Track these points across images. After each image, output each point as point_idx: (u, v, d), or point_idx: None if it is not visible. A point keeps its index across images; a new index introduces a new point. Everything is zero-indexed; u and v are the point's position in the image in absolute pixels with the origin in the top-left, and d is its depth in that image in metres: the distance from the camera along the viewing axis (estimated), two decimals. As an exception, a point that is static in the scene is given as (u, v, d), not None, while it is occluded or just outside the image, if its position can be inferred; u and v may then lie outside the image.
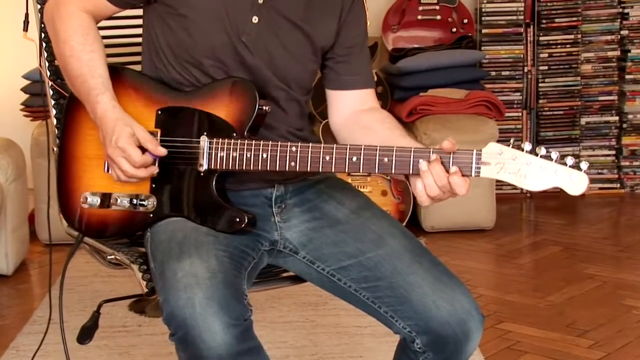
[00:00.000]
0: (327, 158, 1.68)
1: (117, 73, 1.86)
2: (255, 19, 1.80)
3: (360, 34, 1.93)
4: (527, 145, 1.60)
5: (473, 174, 1.62)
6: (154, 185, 1.82)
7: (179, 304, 1.59)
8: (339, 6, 1.87)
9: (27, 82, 4.16)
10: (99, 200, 1.85)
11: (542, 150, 1.59)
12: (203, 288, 1.59)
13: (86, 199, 1.86)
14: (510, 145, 1.61)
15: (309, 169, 1.70)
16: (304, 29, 1.83)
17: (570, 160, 1.58)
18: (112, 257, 1.95)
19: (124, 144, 1.73)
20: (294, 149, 1.70)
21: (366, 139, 1.76)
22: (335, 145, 1.68)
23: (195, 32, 1.79)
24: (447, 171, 1.62)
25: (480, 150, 1.61)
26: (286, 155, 1.70)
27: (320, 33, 1.86)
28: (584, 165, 1.57)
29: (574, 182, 1.57)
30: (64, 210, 1.94)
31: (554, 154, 1.58)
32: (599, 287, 3.45)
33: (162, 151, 1.77)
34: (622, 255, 3.87)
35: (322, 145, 1.69)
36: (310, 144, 1.70)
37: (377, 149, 1.65)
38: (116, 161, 1.75)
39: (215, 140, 1.75)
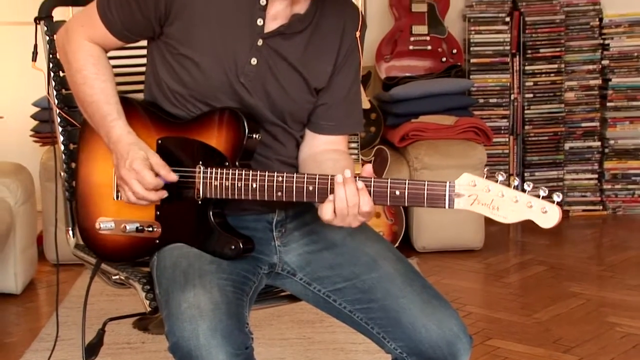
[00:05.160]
0: (311, 188, 1.66)
1: (121, 102, 1.85)
2: (254, 61, 1.78)
3: (348, 84, 1.89)
4: (501, 176, 1.53)
5: (447, 206, 1.57)
6: (158, 213, 1.81)
7: (184, 335, 1.58)
8: (335, 50, 1.85)
9: (36, 109, 4.15)
10: (112, 226, 1.85)
11: (516, 181, 1.52)
12: (207, 320, 1.58)
13: (100, 225, 1.86)
14: (485, 176, 1.54)
15: (294, 199, 1.68)
16: (300, 71, 1.82)
17: (543, 192, 1.51)
18: (117, 277, 1.95)
19: (138, 167, 1.73)
20: (280, 179, 1.68)
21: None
22: (317, 175, 1.66)
23: (195, 72, 1.78)
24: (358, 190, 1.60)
25: (454, 182, 1.56)
26: (273, 185, 1.69)
27: (316, 75, 1.84)
28: (556, 197, 1.50)
29: (547, 215, 1.51)
30: (82, 237, 1.95)
31: (527, 185, 1.51)
32: (584, 305, 3.44)
33: (174, 177, 1.76)
34: (605, 275, 3.86)
35: (306, 174, 1.67)
36: (295, 174, 1.68)
37: (356, 179, 1.62)
38: (129, 182, 1.75)
39: (209, 169, 1.74)
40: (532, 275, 3.86)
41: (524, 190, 1.52)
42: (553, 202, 1.51)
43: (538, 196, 1.52)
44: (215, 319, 1.59)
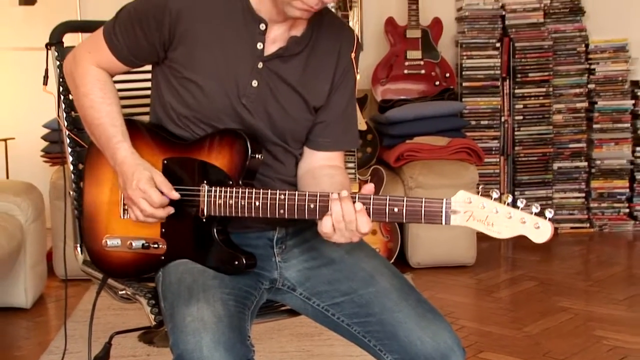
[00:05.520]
0: (312, 206, 1.66)
1: (128, 124, 1.85)
2: (254, 83, 1.79)
3: (345, 102, 1.89)
4: (495, 193, 1.53)
5: (444, 222, 1.56)
6: (163, 230, 1.81)
7: (188, 347, 1.58)
8: (332, 69, 1.86)
9: (46, 130, 4.16)
10: (118, 243, 1.85)
11: (509, 198, 1.52)
12: (210, 332, 1.58)
13: (106, 242, 1.86)
14: (479, 193, 1.54)
15: (295, 216, 1.67)
16: (300, 91, 1.82)
17: (535, 208, 1.50)
18: (124, 292, 1.94)
19: (144, 186, 1.73)
20: (282, 197, 1.68)
21: (310, 188, 1.75)
22: (318, 193, 1.66)
23: (199, 95, 1.78)
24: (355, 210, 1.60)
25: (450, 199, 1.55)
26: (276, 203, 1.68)
27: (315, 95, 1.85)
28: (548, 213, 1.50)
29: (540, 230, 1.50)
30: (89, 253, 1.94)
31: (520, 202, 1.51)
32: (572, 319, 3.43)
33: (176, 195, 1.76)
34: (592, 290, 3.85)
35: (307, 192, 1.67)
36: (297, 192, 1.67)
37: (356, 197, 1.63)
38: (136, 202, 1.75)
39: (214, 188, 1.74)
40: (522, 291, 3.85)
41: (517, 207, 1.52)
42: (545, 218, 1.51)
43: (531, 212, 1.52)
44: (218, 332, 1.58)
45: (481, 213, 1.54)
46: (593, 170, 4.97)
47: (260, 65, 1.79)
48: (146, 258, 1.83)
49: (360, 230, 1.62)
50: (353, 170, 4.04)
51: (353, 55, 1.88)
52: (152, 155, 1.83)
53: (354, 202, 1.61)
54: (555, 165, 4.95)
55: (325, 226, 1.64)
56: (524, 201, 1.52)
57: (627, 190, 5.00)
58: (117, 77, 1.91)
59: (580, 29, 4.94)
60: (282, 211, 1.68)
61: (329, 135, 1.90)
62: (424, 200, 1.58)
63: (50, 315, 3.61)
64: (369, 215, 1.62)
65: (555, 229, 4.78)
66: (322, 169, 1.89)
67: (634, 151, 4.99)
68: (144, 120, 1.94)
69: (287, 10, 1.71)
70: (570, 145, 4.96)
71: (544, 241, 1.51)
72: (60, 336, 3.19)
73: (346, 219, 1.61)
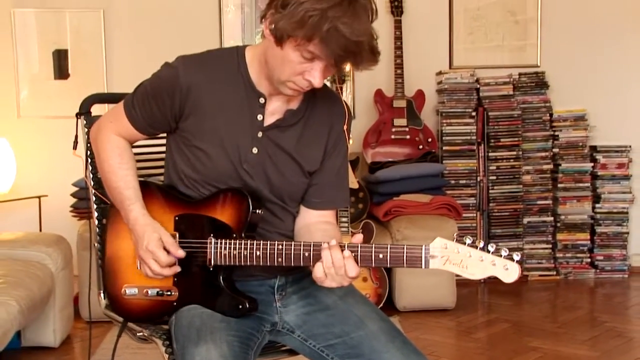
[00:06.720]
0: (307, 254, 1.66)
1: (144, 186, 1.87)
2: (255, 150, 1.79)
3: (336, 168, 1.90)
4: (468, 239, 1.53)
5: (423, 266, 1.56)
6: (175, 279, 1.81)
7: None
8: (324, 140, 1.87)
9: (75, 189, 4.16)
10: (135, 292, 1.84)
11: (481, 244, 1.53)
12: None
13: (125, 291, 1.85)
14: (455, 240, 1.55)
15: (292, 264, 1.67)
16: (295, 157, 1.83)
17: (504, 252, 1.51)
18: (141, 333, 1.92)
19: (153, 248, 1.74)
20: (280, 247, 1.68)
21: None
22: (312, 243, 1.66)
23: (205, 160, 1.79)
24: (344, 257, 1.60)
25: (429, 246, 1.56)
26: (274, 253, 1.69)
27: (309, 160, 1.85)
28: (516, 256, 1.51)
29: (508, 271, 1.51)
30: (110, 300, 1.92)
31: (491, 247, 1.52)
32: (541, 357, 3.39)
33: (181, 254, 1.76)
34: (559, 331, 3.81)
35: (302, 242, 1.67)
36: (293, 242, 1.68)
37: (345, 245, 1.63)
38: (147, 262, 1.76)
39: (220, 240, 1.74)
40: (497, 332, 3.82)
41: (488, 251, 1.52)
42: (513, 260, 1.50)
43: (500, 256, 1.52)
44: (224, 371, 1.56)
45: (456, 257, 1.54)
46: (558, 224, 4.96)
47: (260, 134, 1.80)
48: (161, 304, 1.82)
49: (348, 275, 1.61)
50: (346, 224, 4.03)
51: (345, 127, 1.89)
52: (164, 212, 1.83)
53: (342, 250, 1.61)
54: (525, 220, 4.94)
55: (317, 272, 1.64)
56: (494, 246, 1.53)
57: (589, 242, 4.98)
58: (137, 143, 1.91)
59: (545, 101, 4.98)
60: (280, 259, 1.68)
61: (323, 196, 1.90)
62: (405, 247, 1.58)
63: (76, 354, 3.57)
64: (358, 261, 1.62)
65: (525, 276, 4.83)
66: (317, 224, 1.88)
67: (593, 207, 4.99)
68: (159, 178, 1.95)
69: (281, 89, 1.73)
70: (538, 202, 4.96)
71: (513, 280, 1.51)
72: (84, 373, 3.14)
73: (335, 265, 1.61)
